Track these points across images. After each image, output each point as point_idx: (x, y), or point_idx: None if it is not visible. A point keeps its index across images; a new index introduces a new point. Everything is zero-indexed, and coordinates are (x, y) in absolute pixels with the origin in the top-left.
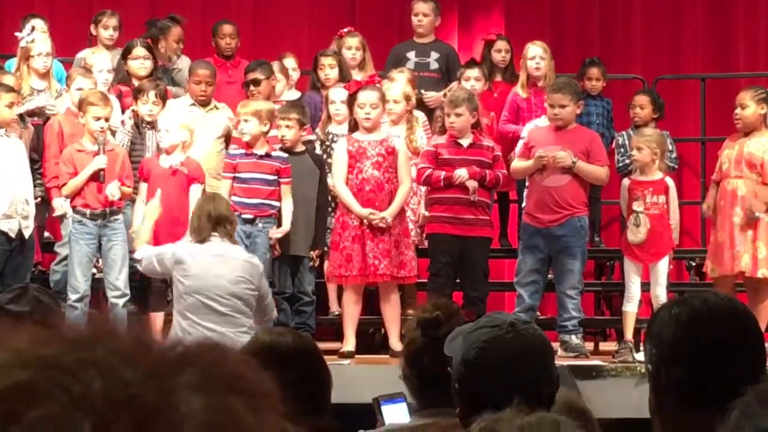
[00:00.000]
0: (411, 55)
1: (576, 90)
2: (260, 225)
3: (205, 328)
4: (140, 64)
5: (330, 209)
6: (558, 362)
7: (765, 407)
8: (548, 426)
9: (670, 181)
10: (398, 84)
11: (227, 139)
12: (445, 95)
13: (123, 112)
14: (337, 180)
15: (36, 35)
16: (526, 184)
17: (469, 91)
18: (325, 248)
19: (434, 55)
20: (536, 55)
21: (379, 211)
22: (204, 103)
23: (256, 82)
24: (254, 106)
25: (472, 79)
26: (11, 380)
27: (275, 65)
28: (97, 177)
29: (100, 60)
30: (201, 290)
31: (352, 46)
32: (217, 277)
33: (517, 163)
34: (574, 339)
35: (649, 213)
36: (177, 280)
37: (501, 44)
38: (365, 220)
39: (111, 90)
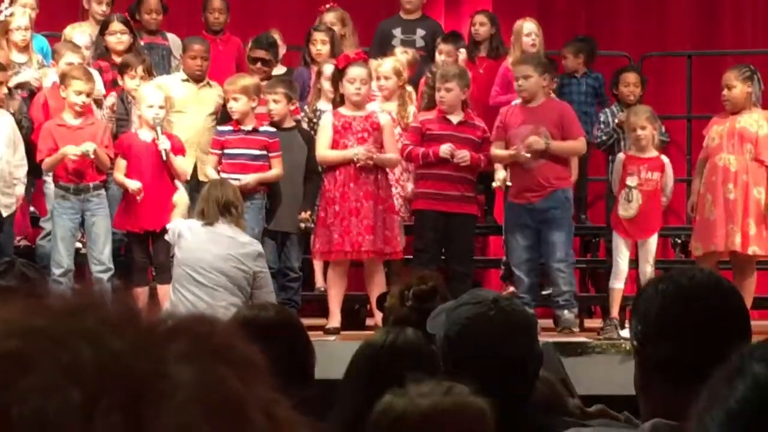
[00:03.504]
0: (397, 32)
1: (541, 62)
2: (248, 201)
3: (186, 297)
4: (117, 38)
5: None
6: (542, 339)
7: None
8: (438, 394)
9: (666, 160)
10: (389, 59)
11: (220, 115)
12: (432, 71)
13: (105, 86)
14: (321, 149)
15: (15, 9)
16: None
17: (461, 67)
18: (311, 224)
19: (420, 32)
20: (532, 31)
21: (364, 186)
22: (198, 79)
23: (265, 62)
24: (241, 82)
25: (444, 54)
26: (0, 350)
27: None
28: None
29: (78, 35)
30: (188, 262)
31: (327, 21)
32: (205, 252)
33: (495, 151)
34: (566, 313)
35: (642, 189)
36: (175, 252)
37: (478, 18)
38: (358, 159)
39: (90, 65)
